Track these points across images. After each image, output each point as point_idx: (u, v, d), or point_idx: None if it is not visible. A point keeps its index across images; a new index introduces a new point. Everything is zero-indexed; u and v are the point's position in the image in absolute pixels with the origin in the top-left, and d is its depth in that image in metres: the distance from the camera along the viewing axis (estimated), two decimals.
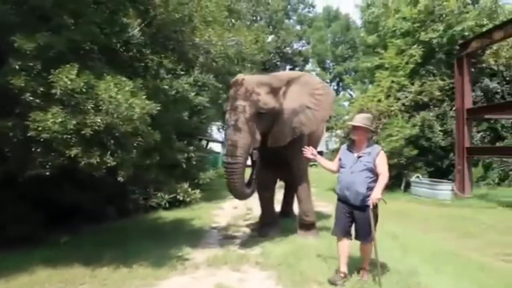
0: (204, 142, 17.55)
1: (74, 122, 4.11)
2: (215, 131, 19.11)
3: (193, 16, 5.11)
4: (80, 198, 6.13)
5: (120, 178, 4.52)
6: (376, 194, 3.84)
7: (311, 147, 4.40)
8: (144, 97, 4.39)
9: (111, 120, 4.18)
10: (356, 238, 4.17)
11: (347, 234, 4.17)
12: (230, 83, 5.65)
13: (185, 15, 5.04)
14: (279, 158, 5.87)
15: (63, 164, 4.36)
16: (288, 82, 5.71)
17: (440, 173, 11.81)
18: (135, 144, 4.52)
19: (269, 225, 6.27)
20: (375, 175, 3.96)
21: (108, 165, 4.41)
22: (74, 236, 5.84)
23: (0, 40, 4.15)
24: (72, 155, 4.18)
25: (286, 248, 5.43)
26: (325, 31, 48.31)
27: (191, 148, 9.40)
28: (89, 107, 4.17)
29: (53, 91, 4.04)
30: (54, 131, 4.02)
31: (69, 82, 4.01)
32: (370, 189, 3.93)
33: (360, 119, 4.06)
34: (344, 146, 4.33)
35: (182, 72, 8.76)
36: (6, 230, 5.00)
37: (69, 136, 4.12)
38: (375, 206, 3.92)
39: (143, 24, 5.25)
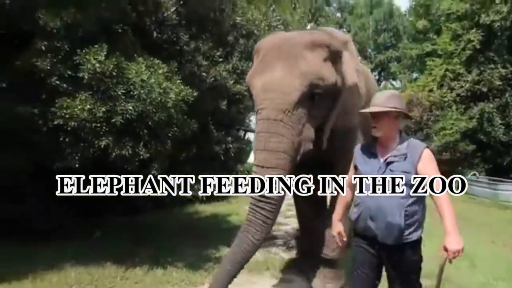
0: (242, 133, 17.15)
1: (103, 109, 3.73)
2: (254, 121, 18.51)
3: None
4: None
5: (154, 172, 4.12)
6: (455, 242, 2.06)
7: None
8: (179, 81, 3.95)
9: (143, 107, 3.77)
10: None
11: None
12: (258, 46, 3.38)
13: None
14: (318, 163, 3.52)
15: (93, 156, 4.00)
16: (345, 45, 3.40)
17: (499, 171, 10.72)
18: (170, 135, 4.08)
19: None
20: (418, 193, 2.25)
21: (141, 157, 4.03)
22: (107, 230, 5.52)
23: (25, 20, 3.80)
24: (102, 146, 3.82)
25: None
26: (366, 18, 46.65)
27: (229, 139, 8.97)
28: (119, 93, 3.78)
29: (81, 74, 3.67)
30: (83, 119, 3.68)
31: (97, 65, 3.63)
32: (411, 217, 2.23)
33: (382, 101, 2.31)
34: (358, 147, 2.53)
35: (221, 59, 8.33)
36: (33, 223, 4.72)
37: (98, 125, 3.76)
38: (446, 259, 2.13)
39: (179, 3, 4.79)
